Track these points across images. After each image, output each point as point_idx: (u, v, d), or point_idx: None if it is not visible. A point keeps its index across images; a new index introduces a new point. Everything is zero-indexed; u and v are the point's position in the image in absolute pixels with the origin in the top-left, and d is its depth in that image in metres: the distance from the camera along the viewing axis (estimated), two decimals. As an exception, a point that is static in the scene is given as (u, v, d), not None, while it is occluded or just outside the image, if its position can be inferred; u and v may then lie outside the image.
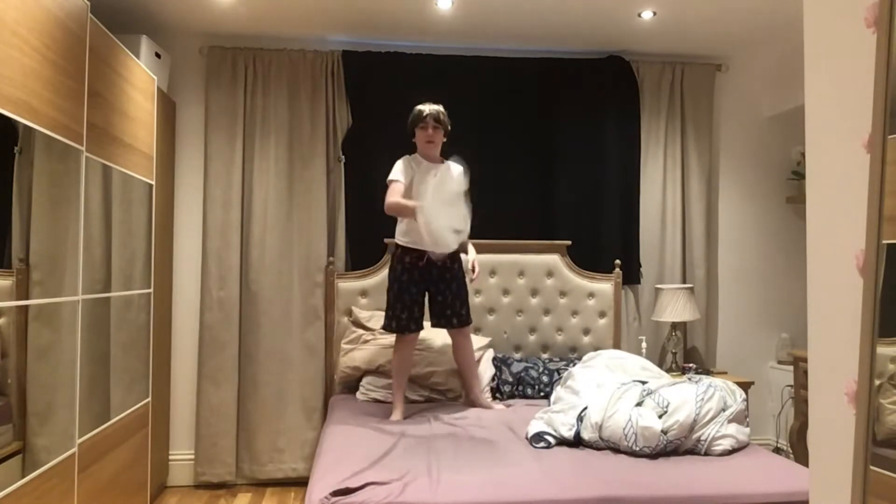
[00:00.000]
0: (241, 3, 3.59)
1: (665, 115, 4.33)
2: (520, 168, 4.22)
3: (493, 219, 4.06)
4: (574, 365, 3.65)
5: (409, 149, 3.40)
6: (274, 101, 4.04)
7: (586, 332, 4.13)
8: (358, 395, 3.67)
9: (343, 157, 4.10)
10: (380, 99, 4.08)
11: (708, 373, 4.05)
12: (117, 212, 3.00)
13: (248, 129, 4.04)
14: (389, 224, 3.79)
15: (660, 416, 2.71)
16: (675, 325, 4.14)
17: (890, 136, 1.18)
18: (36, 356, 2.27)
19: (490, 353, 3.83)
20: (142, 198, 3.35)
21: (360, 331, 3.85)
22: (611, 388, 2.91)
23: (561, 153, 4.25)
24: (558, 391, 3.26)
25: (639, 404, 2.79)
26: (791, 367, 4.08)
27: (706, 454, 2.70)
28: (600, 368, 3.26)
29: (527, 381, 3.74)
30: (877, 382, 1.20)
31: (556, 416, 2.88)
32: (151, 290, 3.51)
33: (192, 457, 4.00)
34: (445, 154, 3.42)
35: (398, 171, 3.26)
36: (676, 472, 2.46)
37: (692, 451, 2.71)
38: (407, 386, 3.45)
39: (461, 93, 4.07)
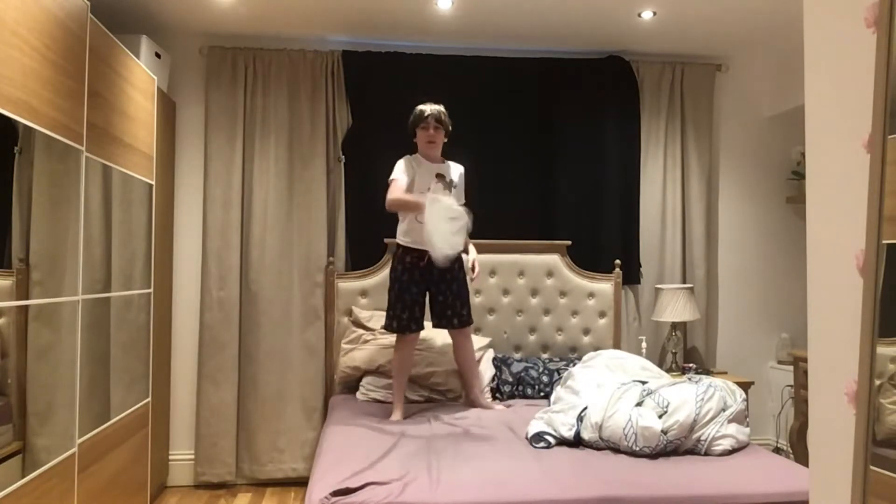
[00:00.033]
0: (241, 3, 3.59)
1: (665, 115, 4.33)
2: (520, 168, 4.22)
3: (493, 219, 4.06)
4: (574, 365, 3.66)
5: (409, 149, 3.40)
6: (274, 101, 4.04)
7: (586, 332, 4.13)
8: (358, 395, 3.67)
9: (343, 157, 4.10)
10: (380, 99, 4.08)
11: (708, 373, 4.05)
12: (117, 212, 3.00)
13: (248, 129, 4.04)
14: (389, 224, 3.79)
15: (660, 416, 2.71)
16: (675, 325, 4.14)
17: (890, 136, 1.18)
18: (36, 356, 2.27)
19: (490, 354, 3.83)
20: (142, 198, 3.35)
21: (360, 331, 3.85)
22: (611, 388, 2.91)
23: (561, 153, 4.25)
24: (558, 391, 3.26)
25: (639, 404, 2.79)
26: (791, 367, 4.08)
27: (706, 454, 2.70)
28: (600, 368, 3.26)
29: (527, 381, 3.74)
30: (877, 382, 1.20)
31: (556, 416, 2.88)
32: (151, 290, 3.51)
33: (192, 457, 4.00)
34: (446, 154, 3.42)
35: (399, 171, 3.26)
36: (676, 472, 2.46)
37: (692, 451, 2.71)
38: (407, 386, 3.45)
39: (461, 93, 4.07)
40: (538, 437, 2.77)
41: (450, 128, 3.36)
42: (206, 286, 3.95)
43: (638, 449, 2.64)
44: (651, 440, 2.63)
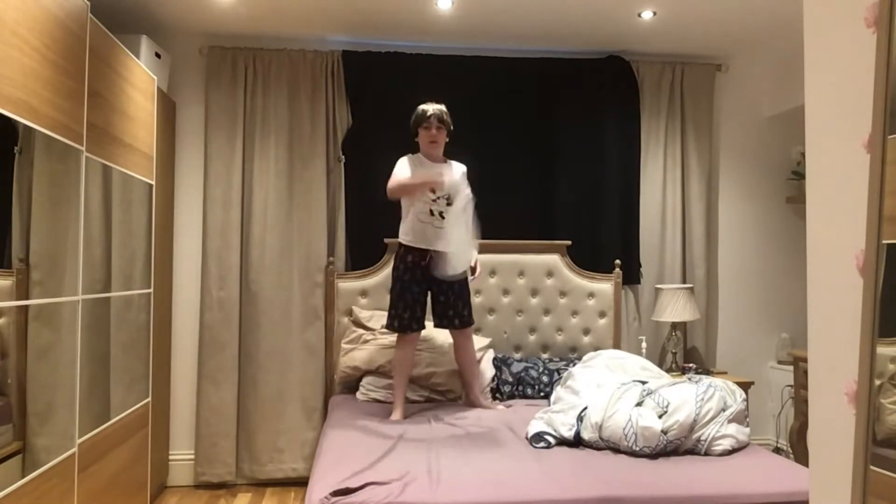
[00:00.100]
0: (241, 3, 3.59)
1: (665, 115, 4.33)
2: (520, 168, 4.22)
3: (493, 219, 4.05)
4: (574, 365, 3.65)
5: (409, 149, 3.40)
6: (274, 101, 4.04)
7: (586, 332, 4.13)
8: (358, 395, 3.66)
9: (343, 157, 4.10)
10: (380, 99, 4.08)
11: (708, 373, 4.05)
12: (117, 212, 3.00)
13: (248, 129, 4.04)
14: (389, 224, 3.79)
15: (660, 416, 2.71)
16: (675, 325, 4.14)
17: (890, 136, 1.18)
18: (36, 356, 2.27)
19: (490, 354, 3.83)
20: (142, 198, 3.35)
21: (361, 331, 3.85)
22: (611, 388, 2.91)
23: (561, 153, 4.25)
24: (558, 391, 3.26)
25: (639, 404, 2.79)
26: (791, 367, 4.08)
27: (706, 454, 2.70)
28: (600, 368, 3.27)
29: (527, 381, 3.74)
30: (877, 382, 1.20)
31: (556, 416, 2.88)
32: (151, 290, 3.51)
33: (192, 457, 4.00)
34: (446, 153, 3.42)
35: (400, 168, 3.27)
36: (676, 472, 2.46)
37: (692, 451, 2.71)
38: (407, 386, 3.45)
39: (461, 93, 4.07)
40: (538, 437, 2.77)
41: (451, 127, 3.36)
42: (206, 286, 3.95)
43: (638, 449, 2.64)
44: (651, 440, 2.63)
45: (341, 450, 2.64)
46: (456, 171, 3.39)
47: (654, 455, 2.65)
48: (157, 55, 3.71)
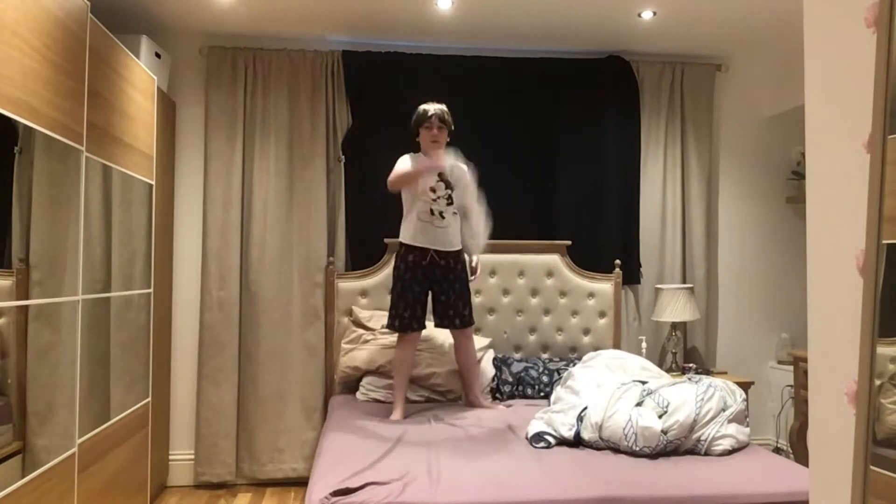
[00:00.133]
0: (241, 3, 3.59)
1: (665, 115, 4.33)
2: (520, 168, 4.22)
3: (494, 219, 4.04)
4: (574, 365, 3.65)
5: (409, 149, 3.40)
6: (274, 101, 4.04)
7: (586, 332, 4.13)
8: (358, 395, 3.66)
9: (343, 157, 4.10)
10: (380, 99, 4.08)
11: (708, 373, 4.05)
12: (117, 212, 3.00)
13: (248, 129, 4.04)
14: (389, 224, 3.79)
15: (660, 416, 2.71)
16: (675, 325, 4.14)
17: (890, 136, 1.18)
18: (36, 356, 2.27)
19: (490, 354, 3.83)
20: (142, 198, 3.35)
21: (361, 331, 3.85)
22: (611, 388, 2.91)
23: (561, 153, 4.25)
24: (558, 391, 3.26)
25: (639, 404, 2.79)
26: (791, 367, 4.08)
27: (706, 454, 2.70)
28: (600, 368, 3.27)
29: (527, 381, 3.74)
30: (877, 382, 1.20)
31: (556, 416, 2.88)
32: (151, 290, 3.51)
33: (192, 457, 4.00)
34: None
35: (403, 164, 3.28)
36: (676, 472, 2.46)
37: (692, 451, 2.71)
38: (407, 386, 3.45)
39: (461, 93, 4.07)
40: (538, 437, 2.77)
41: (452, 127, 3.37)
42: (206, 286, 3.95)
43: (638, 449, 2.64)
44: (651, 440, 2.63)
45: (341, 450, 2.64)
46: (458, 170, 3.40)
47: (654, 455, 2.65)
48: (157, 55, 3.71)
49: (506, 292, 4.11)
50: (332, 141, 4.10)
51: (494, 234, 4.05)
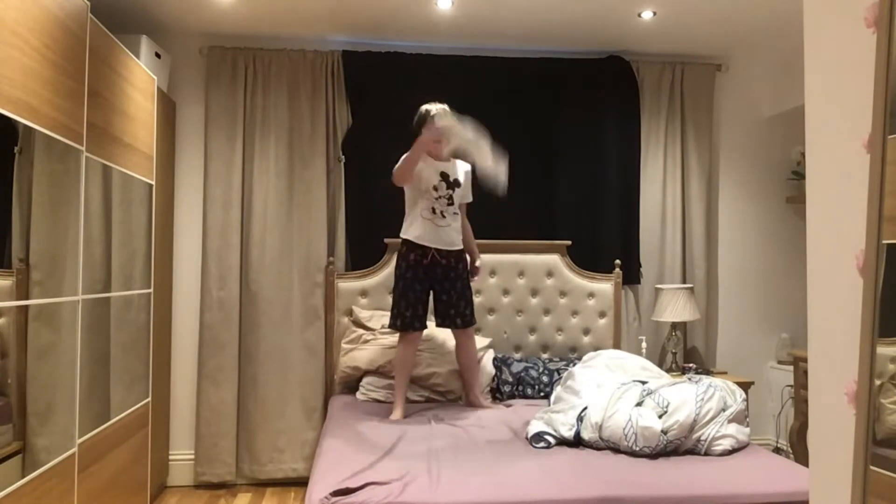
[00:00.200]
0: (241, 3, 3.59)
1: (665, 115, 4.33)
2: (520, 168, 4.21)
3: (493, 219, 4.06)
4: (574, 365, 3.65)
5: (409, 149, 3.39)
6: (274, 101, 4.04)
7: (586, 332, 4.13)
8: (358, 395, 3.66)
9: (343, 157, 4.10)
10: (380, 99, 4.08)
11: (708, 373, 4.05)
12: (117, 212, 3.00)
13: (248, 129, 4.04)
14: (389, 224, 3.80)
15: (660, 416, 2.71)
16: (675, 325, 4.14)
17: (890, 136, 1.18)
18: (36, 356, 2.27)
19: (490, 354, 3.83)
20: (142, 198, 3.35)
21: (361, 331, 3.85)
22: (611, 388, 2.91)
23: (561, 153, 4.25)
24: (558, 391, 3.26)
25: (639, 404, 2.79)
26: (791, 367, 4.08)
27: (706, 454, 2.70)
28: (600, 368, 3.26)
29: (527, 381, 3.73)
30: (877, 382, 1.20)
31: (556, 416, 2.88)
32: (151, 290, 3.51)
33: (192, 457, 4.00)
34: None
35: None
36: (676, 472, 2.46)
37: (692, 451, 2.71)
38: (408, 386, 3.45)
39: (461, 93, 4.07)
40: (538, 437, 2.77)
41: None
42: (206, 286, 3.95)
43: (638, 449, 2.64)
44: (651, 440, 2.63)
45: (341, 450, 2.64)
46: (460, 170, 3.40)
47: (654, 455, 2.65)
48: (157, 55, 3.71)
49: (506, 292, 4.11)
50: (332, 141, 4.10)
51: (494, 234, 4.07)
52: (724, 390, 2.86)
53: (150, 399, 3.51)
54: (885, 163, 1.19)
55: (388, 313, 3.54)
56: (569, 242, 4.18)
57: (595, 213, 4.26)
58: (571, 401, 3.00)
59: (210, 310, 3.94)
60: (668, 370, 4.01)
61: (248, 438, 3.96)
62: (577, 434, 2.78)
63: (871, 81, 1.22)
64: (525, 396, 3.72)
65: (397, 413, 3.23)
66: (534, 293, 4.13)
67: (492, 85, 4.19)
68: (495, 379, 3.74)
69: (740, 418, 2.83)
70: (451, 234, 3.33)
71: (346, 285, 4.01)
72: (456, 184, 3.36)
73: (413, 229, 3.30)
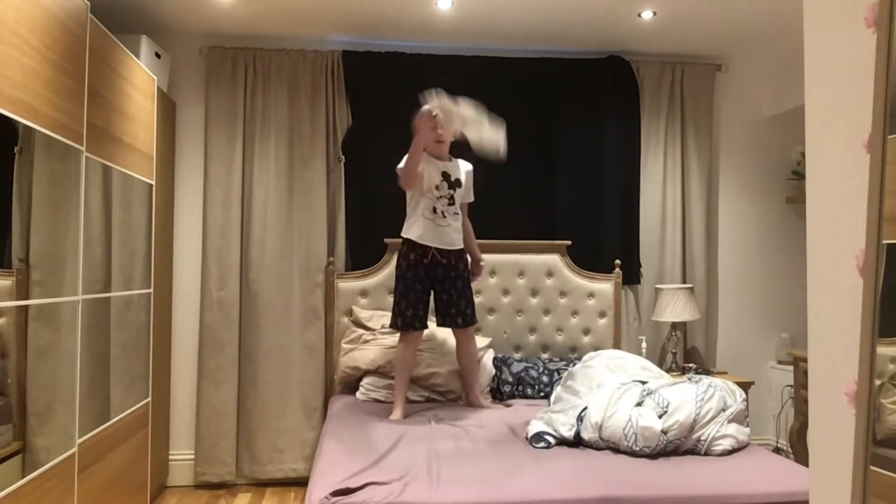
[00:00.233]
0: (241, 3, 3.59)
1: (665, 115, 4.33)
2: (520, 168, 4.22)
3: (493, 219, 4.06)
4: (574, 365, 3.65)
5: (409, 149, 3.39)
6: (274, 101, 4.04)
7: (586, 332, 4.13)
8: (358, 395, 3.66)
9: (343, 157, 4.10)
10: (380, 99, 4.08)
11: (708, 373, 4.05)
12: (117, 212, 3.00)
13: (248, 129, 4.04)
14: (389, 224, 3.80)
15: (660, 416, 2.71)
16: (675, 325, 4.14)
17: (890, 136, 1.18)
18: (36, 356, 2.27)
19: (490, 354, 3.83)
20: (142, 198, 3.36)
21: (361, 331, 3.85)
22: (611, 388, 2.91)
23: (561, 153, 4.25)
24: (558, 391, 3.26)
25: (639, 404, 2.79)
26: (791, 367, 4.08)
27: (706, 454, 2.70)
28: (600, 368, 3.26)
29: (527, 381, 3.73)
30: (877, 382, 1.20)
31: (556, 416, 2.88)
32: (151, 290, 3.51)
33: (192, 457, 4.00)
34: (458, 153, 3.44)
35: None
36: (676, 472, 2.46)
37: (692, 451, 2.71)
38: (408, 386, 3.45)
39: (461, 93, 4.04)
40: (538, 437, 2.77)
41: None
42: (206, 286, 3.95)
43: (638, 449, 2.64)
44: (651, 440, 2.63)
45: (341, 450, 2.64)
46: (461, 170, 3.41)
47: (654, 455, 2.65)
48: (157, 55, 3.71)
49: (506, 292, 4.11)
50: (332, 141, 4.10)
51: (494, 234, 4.07)
52: (724, 390, 2.86)
53: (150, 399, 3.51)
54: (885, 163, 1.19)
55: (388, 313, 3.55)
56: (569, 242, 4.18)
57: (595, 213, 4.26)
58: (571, 401, 3.00)
59: (210, 310, 3.94)
60: (668, 370, 4.01)
61: (248, 438, 3.96)
62: (577, 434, 2.78)
63: (871, 81, 1.22)
64: (525, 396, 3.72)
65: (397, 413, 3.23)
66: (534, 293, 4.13)
67: (492, 85, 4.19)
68: (495, 379, 3.74)
69: (740, 418, 2.83)
70: (451, 233, 3.33)
71: (346, 285, 4.01)
72: (457, 183, 3.36)
73: (414, 229, 3.30)
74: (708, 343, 4.36)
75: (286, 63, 4.04)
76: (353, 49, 4.11)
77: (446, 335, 3.63)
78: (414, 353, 3.40)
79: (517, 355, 4.06)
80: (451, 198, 3.33)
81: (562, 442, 2.78)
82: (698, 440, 2.71)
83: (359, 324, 3.89)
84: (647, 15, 3.71)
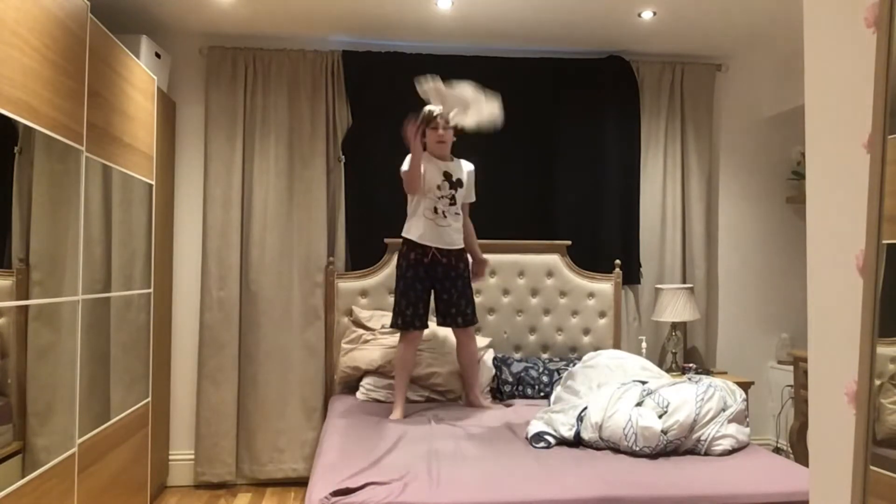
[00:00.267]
0: (241, 3, 3.59)
1: (665, 115, 4.33)
2: (520, 168, 4.22)
3: (493, 219, 4.06)
4: (574, 365, 3.65)
5: (409, 149, 3.39)
6: (274, 101, 4.04)
7: (586, 332, 4.13)
8: (358, 395, 3.66)
9: (343, 157, 4.10)
10: (380, 99, 4.08)
11: (708, 373, 4.05)
12: (117, 212, 3.00)
13: (248, 129, 4.04)
14: (389, 224, 3.80)
15: (660, 416, 2.71)
16: (675, 325, 4.14)
17: (890, 136, 1.18)
18: (36, 356, 2.27)
19: (490, 354, 3.83)
20: (142, 198, 3.35)
21: (361, 331, 3.85)
22: (611, 388, 2.91)
23: (561, 153, 4.25)
24: (558, 391, 3.26)
25: (639, 404, 2.79)
26: (791, 367, 4.08)
27: (706, 454, 2.70)
28: (600, 368, 3.26)
29: (527, 381, 3.73)
30: (877, 382, 1.20)
31: (556, 416, 2.88)
32: (151, 290, 3.51)
33: (192, 457, 4.00)
34: (458, 153, 3.44)
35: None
36: (676, 472, 2.46)
37: (692, 451, 2.71)
38: (408, 385, 3.45)
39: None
40: (538, 437, 2.77)
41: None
42: (206, 286, 3.95)
43: (638, 449, 2.64)
44: (651, 440, 2.63)
45: (341, 450, 2.64)
46: (463, 170, 3.41)
47: (654, 455, 2.65)
48: (157, 55, 3.71)
49: (506, 292, 4.11)
50: (332, 141, 4.10)
51: (494, 234, 4.07)
52: (724, 390, 2.86)
53: (150, 399, 3.51)
54: (885, 163, 1.18)
55: (388, 313, 3.55)
56: (569, 242, 4.18)
57: (595, 213, 4.26)
58: (571, 401, 3.00)
59: (210, 310, 3.94)
60: (668, 370, 4.01)
61: (248, 438, 3.96)
62: (577, 434, 2.78)
63: (871, 81, 1.22)
64: (525, 396, 3.72)
65: (397, 413, 3.23)
66: (534, 293, 4.13)
67: (492, 85, 4.15)
68: (495, 379, 3.74)
69: (740, 418, 2.83)
70: (452, 233, 3.33)
71: (346, 285, 4.01)
72: (458, 183, 3.36)
73: (414, 229, 3.30)
74: (708, 343, 4.36)
75: (286, 63, 4.04)
76: (353, 49, 4.11)
77: (447, 335, 3.63)
78: (414, 352, 3.40)
79: (517, 355, 4.06)
80: (453, 198, 3.33)
81: (562, 442, 2.78)
82: (698, 440, 2.71)
83: (359, 324, 3.89)
84: (647, 15, 3.71)
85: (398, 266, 3.38)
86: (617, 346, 4.13)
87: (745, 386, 3.88)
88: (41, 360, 2.30)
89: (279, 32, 4.04)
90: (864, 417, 1.21)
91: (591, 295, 4.14)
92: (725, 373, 4.29)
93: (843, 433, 1.26)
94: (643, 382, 2.96)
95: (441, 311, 3.39)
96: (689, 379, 3.03)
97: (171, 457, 4.02)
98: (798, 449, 3.81)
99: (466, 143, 3.79)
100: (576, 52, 4.29)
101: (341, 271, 4.08)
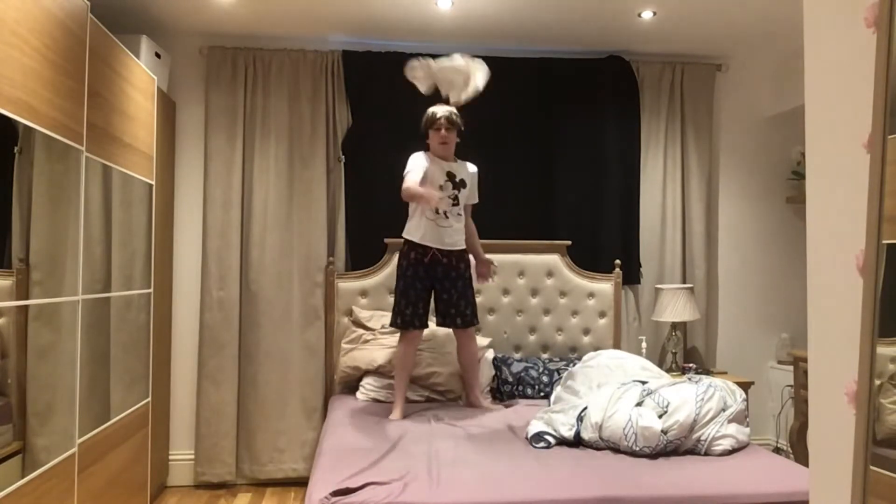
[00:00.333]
0: (241, 3, 3.59)
1: (665, 115, 4.33)
2: (520, 168, 4.22)
3: (494, 219, 4.06)
4: (574, 365, 3.65)
5: (409, 149, 3.40)
6: (274, 101, 4.04)
7: (586, 332, 4.13)
8: (358, 395, 3.66)
9: (343, 157, 4.10)
10: (380, 99, 4.08)
11: (708, 373, 4.05)
12: (117, 212, 3.00)
13: (248, 129, 4.04)
14: (389, 224, 3.80)
15: (660, 416, 2.71)
16: (675, 325, 4.14)
17: (890, 136, 1.18)
18: (36, 356, 2.27)
19: (490, 354, 3.83)
20: (142, 198, 3.35)
21: (361, 331, 3.85)
22: (611, 388, 2.91)
23: (561, 153, 4.25)
24: (558, 391, 3.26)
25: (639, 404, 2.79)
26: (791, 367, 4.08)
27: (706, 454, 2.70)
28: (600, 368, 3.26)
29: (527, 381, 3.73)
30: (877, 382, 1.20)
31: (556, 416, 2.88)
32: (151, 290, 3.51)
33: (192, 457, 4.00)
34: (458, 153, 3.43)
35: (414, 164, 3.26)
36: (676, 472, 2.46)
37: (692, 451, 2.71)
38: (408, 385, 3.45)
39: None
40: (538, 437, 2.77)
41: (462, 128, 3.38)
42: (206, 286, 3.95)
43: (638, 449, 2.64)
44: (651, 440, 2.63)
45: (341, 450, 2.64)
46: (466, 171, 3.41)
47: (654, 455, 2.65)
48: (157, 55, 3.71)
49: (506, 292, 4.11)
50: (332, 141, 4.10)
51: (494, 234, 4.07)
52: (724, 390, 2.86)
53: (150, 399, 3.51)
54: (885, 163, 1.18)
55: (388, 313, 3.55)
56: (569, 242, 4.18)
57: (595, 213, 4.26)
58: (571, 401, 3.00)
59: (210, 310, 3.94)
60: (668, 370, 4.01)
61: (248, 438, 3.96)
62: (577, 434, 2.78)
63: (871, 81, 1.22)
64: (525, 396, 3.72)
65: (397, 413, 3.23)
66: (534, 293, 4.13)
67: (491, 85, 4.17)
68: (495, 379, 3.74)
69: (740, 418, 2.83)
70: (453, 234, 3.33)
71: (346, 285, 4.01)
72: (462, 184, 3.36)
73: (416, 230, 3.31)
74: (708, 343, 4.36)
75: (286, 63, 4.04)
76: (353, 49, 4.11)
77: (447, 335, 3.63)
78: (414, 352, 3.40)
79: (517, 355, 4.06)
80: (456, 198, 3.33)
81: (562, 442, 2.78)
82: (698, 440, 2.71)
83: (359, 324, 3.89)
84: (647, 15, 3.71)
85: (398, 265, 3.38)
86: (617, 346, 4.13)
87: (745, 386, 3.88)
88: (41, 360, 2.30)
89: (279, 32, 4.04)
90: (864, 417, 1.21)
91: (591, 295, 4.14)
92: (725, 373, 4.29)
93: (843, 433, 1.26)
94: (643, 382, 2.96)
95: (441, 312, 3.39)
96: (689, 379, 3.03)
97: (171, 457, 4.02)
98: (798, 449, 3.81)
99: (467, 143, 3.79)
100: (576, 52, 4.29)
101: (341, 271, 4.08)
